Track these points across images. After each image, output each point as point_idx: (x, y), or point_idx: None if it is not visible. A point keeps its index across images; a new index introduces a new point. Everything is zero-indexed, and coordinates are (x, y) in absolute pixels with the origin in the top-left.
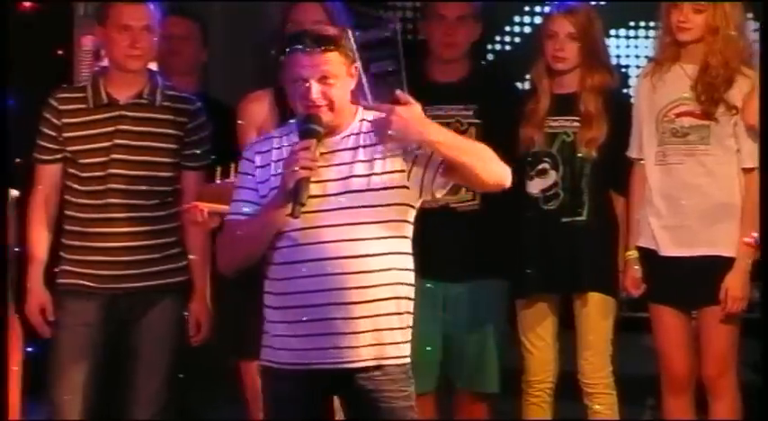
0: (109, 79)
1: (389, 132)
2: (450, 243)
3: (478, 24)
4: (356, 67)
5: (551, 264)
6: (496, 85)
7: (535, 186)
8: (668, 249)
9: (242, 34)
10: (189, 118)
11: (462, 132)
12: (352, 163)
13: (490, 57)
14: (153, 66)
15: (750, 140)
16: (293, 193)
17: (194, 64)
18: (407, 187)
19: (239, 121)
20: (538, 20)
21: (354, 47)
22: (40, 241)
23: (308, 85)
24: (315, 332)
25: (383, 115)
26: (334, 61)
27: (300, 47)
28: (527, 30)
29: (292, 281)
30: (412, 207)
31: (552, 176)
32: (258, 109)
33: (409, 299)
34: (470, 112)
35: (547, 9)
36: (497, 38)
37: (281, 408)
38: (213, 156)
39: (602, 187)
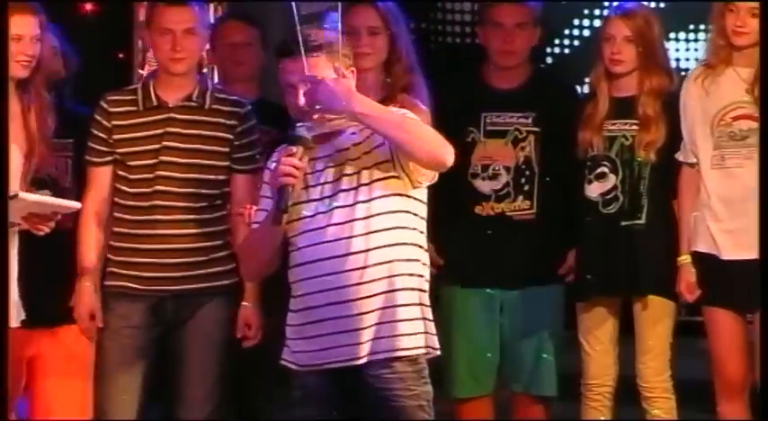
0: (158, 82)
1: (316, 105)
2: (507, 251)
3: (537, 29)
4: (352, 71)
5: (610, 268)
6: (555, 91)
7: (594, 190)
8: (729, 253)
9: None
10: (239, 121)
11: (521, 140)
12: (354, 159)
13: (549, 60)
14: (214, 72)
15: None
16: (276, 201)
17: (255, 70)
18: (397, 177)
19: None
20: (597, 23)
21: (345, 50)
22: (92, 245)
23: (296, 90)
24: (320, 333)
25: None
26: (320, 65)
27: (285, 53)
28: (586, 33)
29: (298, 283)
30: (408, 196)
31: (611, 180)
32: None
33: (420, 290)
34: (529, 120)
35: (606, 12)
36: (557, 41)
37: (302, 407)
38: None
39: (662, 190)
